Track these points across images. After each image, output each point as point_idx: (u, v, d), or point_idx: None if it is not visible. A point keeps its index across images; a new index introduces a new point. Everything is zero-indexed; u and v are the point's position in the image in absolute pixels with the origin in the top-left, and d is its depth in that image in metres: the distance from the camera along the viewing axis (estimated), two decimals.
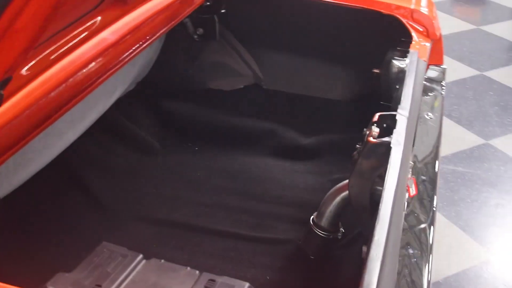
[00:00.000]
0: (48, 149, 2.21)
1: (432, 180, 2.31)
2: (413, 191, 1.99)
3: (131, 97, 3.06)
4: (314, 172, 2.72)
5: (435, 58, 2.96)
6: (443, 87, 2.96)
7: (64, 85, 1.89)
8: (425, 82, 2.94)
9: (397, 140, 1.89)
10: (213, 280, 1.39)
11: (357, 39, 3.01)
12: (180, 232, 2.38)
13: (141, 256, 1.53)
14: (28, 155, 2.08)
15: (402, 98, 2.12)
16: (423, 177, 2.31)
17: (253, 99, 3.20)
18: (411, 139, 1.98)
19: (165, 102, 3.09)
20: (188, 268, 1.49)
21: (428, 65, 2.96)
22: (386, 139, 1.92)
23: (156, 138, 2.95)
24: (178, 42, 3.08)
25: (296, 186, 2.66)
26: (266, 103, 3.19)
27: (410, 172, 1.97)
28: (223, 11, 2.88)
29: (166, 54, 3.14)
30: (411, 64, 2.40)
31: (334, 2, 2.79)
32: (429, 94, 2.90)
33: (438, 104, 2.84)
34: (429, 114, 2.72)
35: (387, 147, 1.85)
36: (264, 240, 2.33)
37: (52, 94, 1.83)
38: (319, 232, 2.17)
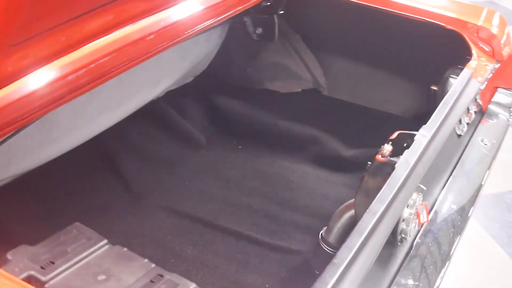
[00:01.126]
0: (77, 129, 2.31)
1: (464, 211, 2.13)
2: (424, 218, 1.84)
3: (186, 89, 3.12)
4: (348, 185, 2.60)
5: (505, 81, 2.71)
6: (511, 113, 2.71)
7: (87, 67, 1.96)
8: (491, 106, 2.72)
9: (406, 160, 1.75)
10: (161, 276, 1.38)
11: (421, 53, 2.85)
12: (197, 227, 2.39)
13: (105, 241, 1.55)
14: (54, 133, 2.19)
15: (431, 118, 1.97)
16: (454, 206, 2.13)
17: (308, 104, 3.14)
18: (428, 161, 1.83)
19: (219, 97, 3.11)
20: (146, 260, 1.48)
21: (495, 88, 2.73)
22: (394, 158, 1.80)
23: (203, 132, 2.97)
24: (238, 40, 3.09)
25: (326, 197, 2.56)
26: (321, 109, 3.11)
27: (421, 197, 1.81)
28: (281, 12, 2.83)
29: (226, 50, 3.16)
30: (458, 84, 2.22)
31: (398, 13, 2.66)
32: (491, 119, 2.67)
33: (500, 131, 2.60)
34: (485, 140, 2.50)
35: (393, 167, 1.74)
36: (276, 248, 2.28)
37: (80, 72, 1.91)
38: (326, 247, 2.07)
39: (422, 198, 1.83)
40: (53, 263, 1.41)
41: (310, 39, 3.17)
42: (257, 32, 2.99)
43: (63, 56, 1.76)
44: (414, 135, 1.88)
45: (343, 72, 3.19)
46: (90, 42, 1.87)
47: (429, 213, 1.87)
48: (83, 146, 2.52)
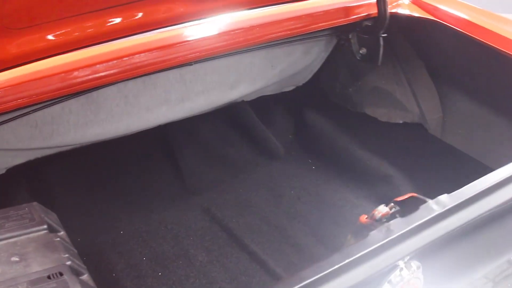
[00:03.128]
0: (129, 116, 2.41)
1: None
2: None
3: (282, 98, 3.05)
4: None
5: None
6: None
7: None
8: None
9: (388, 229, 1.50)
10: (61, 274, 1.37)
11: None
12: (222, 236, 2.34)
13: (45, 226, 1.59)
14: (101, 115, 2.32)
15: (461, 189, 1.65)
16: None
17: (405, 140, 2.82)
18: (425, 239, 1.53)
19: (311, 112, 2.97)
20: (67, 255, 1.47)
21: None
22: (378, 224, 1.55)
23: (285, 144, 2.88)
24: (344, 57, 2.91)
25: None
26: (419, 149, 2.76)
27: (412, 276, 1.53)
28: (384, 35, 2.59)
29: (332, 66, 3.00)
30: None
31: None
32: None
33: None
34: None
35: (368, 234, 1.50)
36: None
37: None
38: None
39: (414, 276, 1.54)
40: None
41: (433, 69, 2.84)
42: (361, 52, 2.79)
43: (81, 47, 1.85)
44: (424, 202, 1.60)
45: (462, 115, 2.78)
46: (122, 36, 1.93)
47: None
48: (148, 134, 2.65)
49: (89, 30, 1.88)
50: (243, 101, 2.89)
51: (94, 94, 2.22)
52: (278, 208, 2.51)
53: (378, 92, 2.89)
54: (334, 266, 1.38)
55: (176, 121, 2.66)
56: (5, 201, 2.27)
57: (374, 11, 2.56)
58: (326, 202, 2.54)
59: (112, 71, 2.00)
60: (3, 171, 2.37)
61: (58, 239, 1.54)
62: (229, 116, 2.85)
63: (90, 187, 2.49)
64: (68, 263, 1.47)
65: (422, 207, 1.57)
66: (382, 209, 1.58)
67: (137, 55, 2.04)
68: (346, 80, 2.98)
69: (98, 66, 1.97)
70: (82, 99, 2.21)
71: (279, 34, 2.43)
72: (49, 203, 2.36)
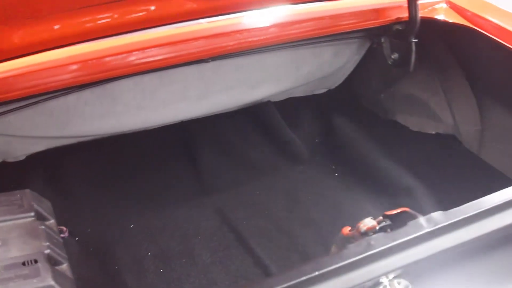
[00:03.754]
0: (146, 110, 2.42)
1: None
2: None
3: (311, 101, 2.98)
4: None
5: None
6: None
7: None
8: None
9: (368, 243, 1.42)
10: (35, 261, 1.37)
11: None
12: (229, 237, 2.31)
13: (32, 213, 1.61)
14: (118, 107, 2.34)
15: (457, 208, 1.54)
16: None
17: (436, 151, 2.68)
18: (409, 257, 1.43)
19: (340, 116, 2.88)
20: (47, 243, 1.48)
21: None
22: (360, 237, 1.47)
23: (310, 148, 2.81)
24: (377, 62, 2.80)
25: None
26: (449, 161, 2.62)
27: None
28: (414, 40, 2.46)
29: (365, 69, 2.90)
30: None
31: None
32: None
33: None
34: None
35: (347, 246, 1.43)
36: None
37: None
38: None
39: None
40: None
41: (473, 80, 2.68)
42: (393, 57, 2.67)
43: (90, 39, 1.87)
44: (415, 218, 1.50)
45: (502, 130, 2.60)
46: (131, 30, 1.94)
47: None
48: (168, 129, 2.65)
49: (102, 21, 1.91)
50: (268, 101, 2.84)
51: (109, 86, 2.24)
52: (292, 214, 2.44)
53: (411, 99, 2.76)
54: (303, 277, 1.32)
55: (197, 118, 2.65)
56: (18, 187, 2.34)
57: (405, 14, 2.45)
58: (343, 211, 2.45)
59: (124, 63, 2.02)
60: (23, 158, 2.45)
61: (43, 227, 1.56)
62: (253, 116, 2.81)
63: (105, 179, 2.52)
64: (47, 251, 1.49)
65: (411, 223, 1.48)
66: (368, 222, 1.50)
67: (148, 49, 2.05)
68: (379, 85, 2.87)
69: (109, 58, 1.99)
70: (97, 91, 2.24)
71: (303, 34, 2.37)
72: (63, 193, 2.43)
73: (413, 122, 2.78)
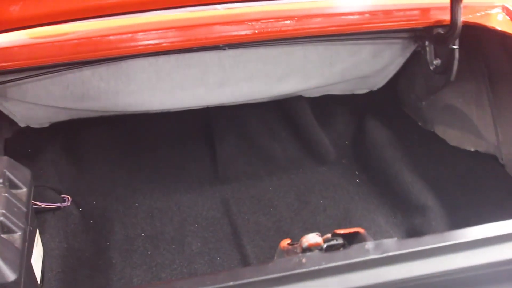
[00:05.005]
0: (162, 92, 2.40)
1: None
2: None
3: (349, 101, 2.82)
4: None
5: None
6: None
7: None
8: None
9: (291, 262, 1.31)
10: None
11: None
12: (225, 229, 2.26)
13: (0, 180, 1.65)
14: (132, 86, 2.34)
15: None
16: None
17: (470, 170, 2.43)
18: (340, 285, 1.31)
19: (373, 120, 2.72)
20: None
21: None
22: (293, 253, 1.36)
23: (339, 150, 2.67)
24: (420, 66, 2.58)
25: None
26: (480, 183, 2.37)
27: None
28: (455, 46, 2.24)
29: (409, 73, 2.69)
30: None
31: None
32: None
33: None
34: None
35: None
36: None
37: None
38: None
39: None
40: None
41: None
42: (434, 62, 2.45)
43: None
44: (363, 241, 1.37)
45: None
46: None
47: None
48: (191, 114, 2.64)
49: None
50: (300, 96, 2.73)
51: (124, 65, 2.26)
52: (298, 216, 2.34)
53: (452, 110, 2.53)
54: (215, 284, 1.25)
55: (221, 105, 2.61)
56: (36, 152, 2.46)
57: (447, 17, 2.22)
58: (352, 220, 2.30)
59: (128, 43, 2.03)
60: (47, 125, 2.55)
61: (7, 194, 1.60)
62: (281, 109, 2.72)
63: (121, 156, 2.56)
64: (0, 218, 1.53)
65: (356, 246, 1.34)
66: (311, 238, 1.38)
67: (155, 31, 2.04)
68: (421, 92, 2.66)
69: (113, 36, 2.01)
70: (112, 68, 2.26)
71: (334, 28, 2.24)
72: (77, 164, 2.51)
73: (451, 135, 2.55)
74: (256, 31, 2.12)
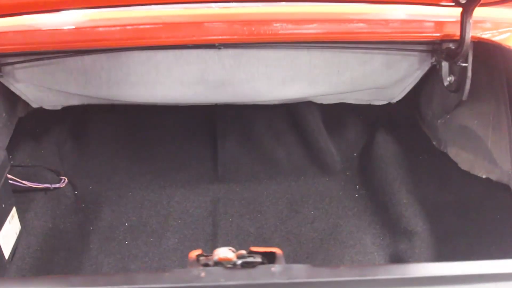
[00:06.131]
0: (162, 86, 2.41)
1: None
2: None
3: (364, 111, 2.70)
4: None
5: None
6: None
7: None
8: None
9: (197, 275, 1.28)
10: None
11: None
12: (206, 229, 2.25)
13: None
14: (132, 77, 2.38)
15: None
16: None
17: (477, 198, 2.25)
18: None
19: (387, 134, 2.59)
20: None
21: None
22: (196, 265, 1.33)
23: (345, 162, 2.57)
24: (438, 81, 2.42)
25: None
26: (484, 213, 2.18)
27: None
28: (462, 64, 2.08)
29: (426, 88, 2.54)
30: None
31: None
32: None
33: None
34: None
35: None
36: None
37: None
38: None
39: None
40: None
41: None
42: (448, 79, 2.29)
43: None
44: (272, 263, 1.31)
45: None
46: None
47: None
48: (197, 109, 2.65)
49: None
50: (310, 101, 2.65)
51: (123, 56, 2.29)
52: (283, 224, 2.28)
53: (466, 132, 2.35)
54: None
55: (228, 104, 2.60)
56: (43, 133, 2.57)
57: (458, 32, 2.07)
58: (337, 236, 2.21)
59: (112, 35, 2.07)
60: (59, 108, 2.66)
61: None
62: (290, 114, 2.65)
63: (126, 145, 2.61)
64: None
65: (262, 267, 1.29)
66: (222, 252, 1.33)
67: (148, 25, 2.06)
68: (438, 109, 2.49)
69: (102, 28, 2.05)
70: (112, 58, 2.31)
71: (334, 35, 2.16)
72: (81, 148, 2.59)
73: (463, 159, 2.37)
74: (247, 32, 2.08)
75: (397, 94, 2.66)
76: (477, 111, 2.30)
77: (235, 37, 2.09)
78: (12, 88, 2.42)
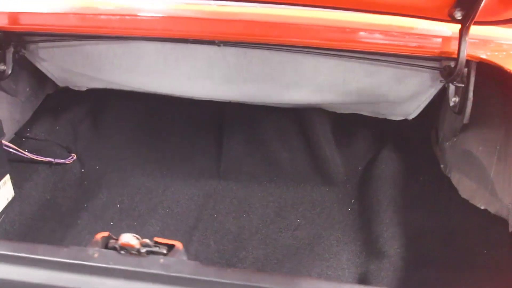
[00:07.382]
0: (170, 78, 2.47)
1: None
2: None
3: (378, 125, 2.61)
4: None
5: None
6: None
7: None
8: None
9: (90, 255, 1.33)
10: None
11: None
12: (188, 223, 2.30)
13: None
14: (142, 66, 2.45)
15: None
16: None
17: (470, 229, 2.09)
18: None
19: (394, 152, 2.49)
20: None
21: None
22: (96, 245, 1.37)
23: (348, 175, 2.51)
24: (447, 101, 2.28)
25: None
26: (473, 246, 2.03)
27: None
28: (460, 85, 1.95)
29: (441, 107, 2.40)
30: None
31: None
32: None
33: None
34: None
35: None
36: None
37: None
38: None
39: None
40: None
41: None
42: (453, 99, 2.16)
43: None
44: (164, 254, 1.34)
45: None
46: None
47: None
48: (206, 104, 2.69)
49: None
50: (320, 109, 2.60)
51: (133, 45, 2.38)
52: (265, 228, 2.28)
53: (470, 159, 2.20)
54: None
55: (239, 103, 2.63)
56: (63, 111, 2.73)
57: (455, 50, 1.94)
58: (314, 247, 2.17)
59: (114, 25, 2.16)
60: (84, 89, 2.83)
61: None
62: (299, 119, 2.62)
63: (136, 131, 2.71)
64: None
65: (152, 257, 1.32)
66: (126, 238, 1.38)
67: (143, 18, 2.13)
68: (448, 130, 2.35)
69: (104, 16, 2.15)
70: (124, 46, 2.40)
71: (335, 42, 2.11)
72: (96, 129, 2.73)
73: (465, 186, 2.22)
74: (247, 32, 2.10)
75: (412, 110, 2.54)
76: (482, 137, 2.15)
77: (235, 36, 2.11)
78: (38, 66, 2.60)
